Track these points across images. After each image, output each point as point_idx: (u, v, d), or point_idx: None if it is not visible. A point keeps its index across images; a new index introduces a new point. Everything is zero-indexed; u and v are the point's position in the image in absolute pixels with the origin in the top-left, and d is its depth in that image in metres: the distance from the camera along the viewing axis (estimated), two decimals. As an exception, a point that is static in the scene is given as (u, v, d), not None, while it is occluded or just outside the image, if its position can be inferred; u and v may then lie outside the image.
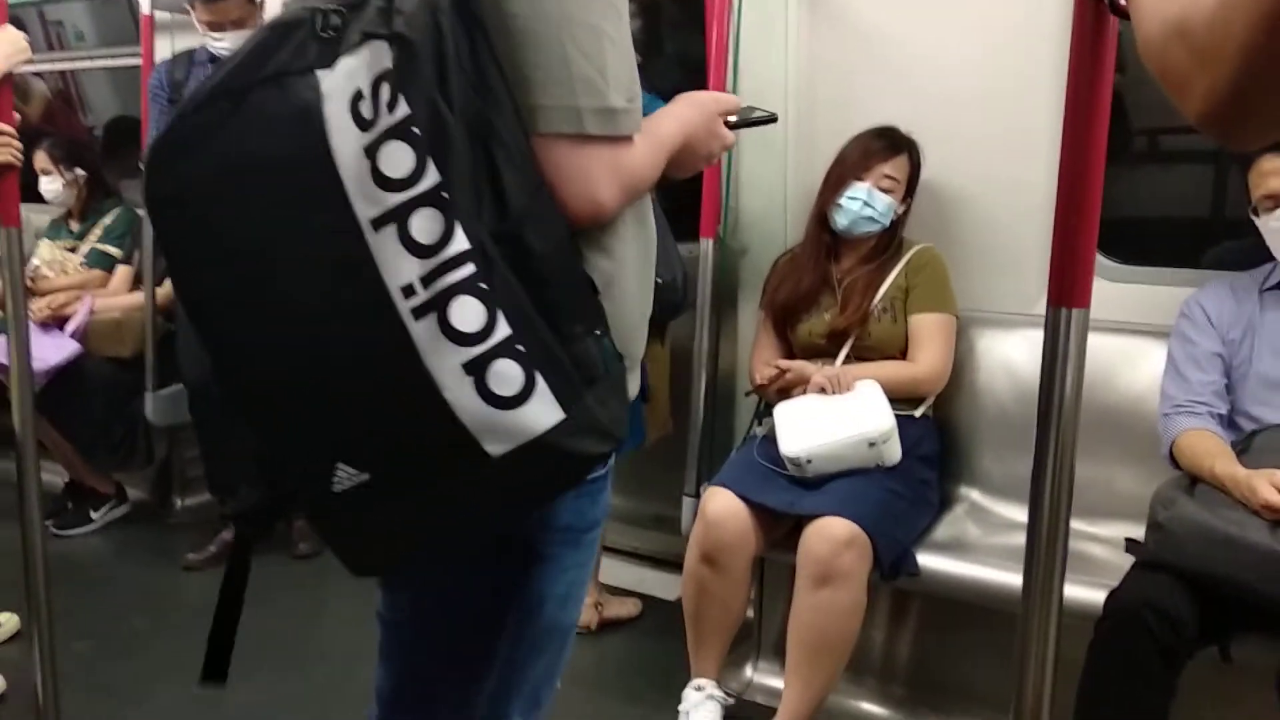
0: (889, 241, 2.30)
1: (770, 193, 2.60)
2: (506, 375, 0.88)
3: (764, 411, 2.32)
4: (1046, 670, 1.11)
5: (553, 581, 1.10)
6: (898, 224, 2.30)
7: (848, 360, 2.26)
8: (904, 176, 2.27)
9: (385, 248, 0.87)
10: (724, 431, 2.64)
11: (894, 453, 2.08)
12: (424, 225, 0.87)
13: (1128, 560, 1.80)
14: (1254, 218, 1.93)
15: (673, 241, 2.46)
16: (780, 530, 2.12)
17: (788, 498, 2.07)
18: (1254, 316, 1.97)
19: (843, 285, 2.30)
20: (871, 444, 2.05)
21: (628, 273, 1.05)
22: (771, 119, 1.19)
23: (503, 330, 0.88)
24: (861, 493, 2.02)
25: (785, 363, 2.27)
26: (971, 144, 2.33)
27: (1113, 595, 1.71)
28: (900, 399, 2.17)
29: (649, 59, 2.55)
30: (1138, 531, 1.84)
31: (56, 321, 3.27)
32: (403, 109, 0.86)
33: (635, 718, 2.25)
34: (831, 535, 1.93)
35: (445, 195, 0.87)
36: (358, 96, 0.87)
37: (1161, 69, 0.61)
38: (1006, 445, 2.26)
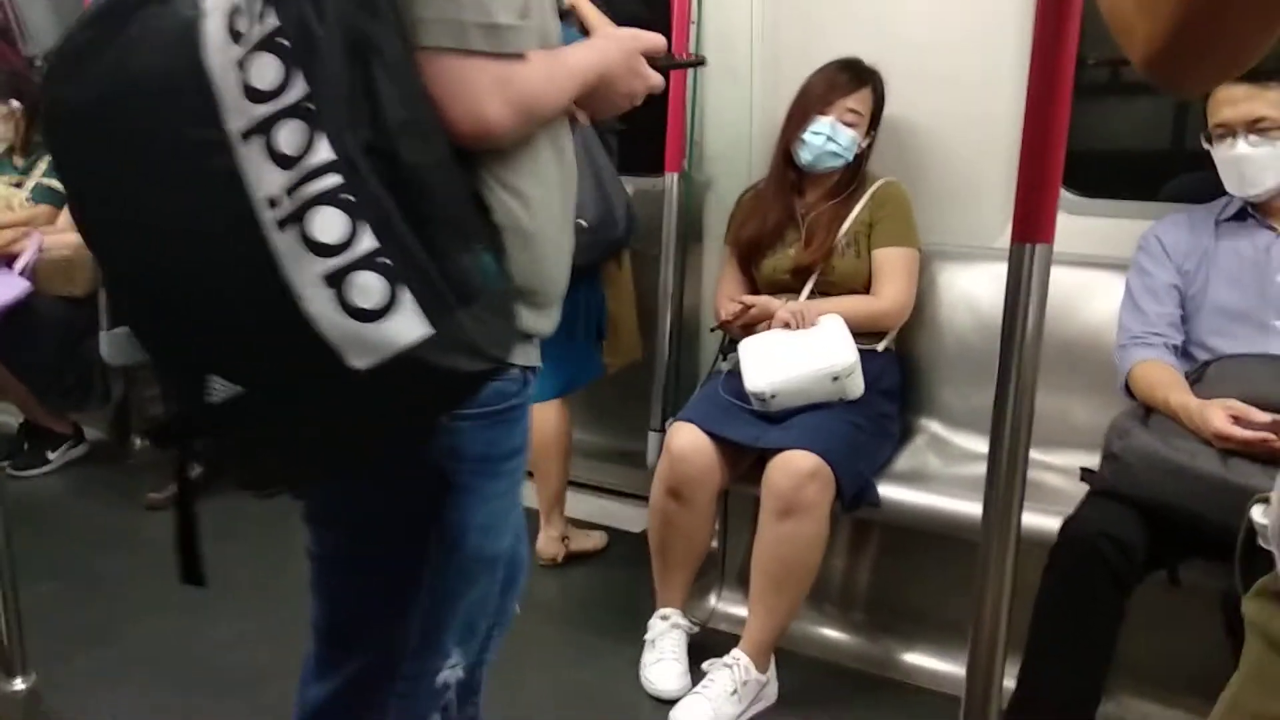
0: (853, 176, 2.30)
1: (735, 127, 2.57)
2: (368, 287, 0.87)
3: (729, 347, 2.33)
4: (1004, 595, 1.14)
5: (473, 511, 1.11)
6: (861, 158, 2.29)
7: (812, 295, 2.27)
8: (867, 110, 2.25)
9: (252, 160, 0.88)
10: (689, 366, 2.65)
11: (857, 387, 2.11)
12: (289, 137, 0.87)
13: (1082, 489, 1.84)
14: (1206, 146, 1.94)
15: (607, 171, 2.38)
16: (744, 464, 2.14)
17: (753, 432, 2.09)
18: (1209, 247, 1.99)
19: (807, 220, 2.30)
20: (835, 378, 2.07)
21: (541, 207, 1.05)
22: (700, 62, 1.17)
23: (366, 243, 0.87)
24: (824, 426, 2.04)
25: (750, 298, 2.27)
26: (936, 80, 2.31)
27: (1068, 523, 1.75)
28: (863, 333, 2.18)
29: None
30: (1093, 461, 1.88)
31: (4, 259, 3.18)
32: (271, 20, 0.87)
33: (602, 648, 2.29)
34: (795, 468, 1.96)
35: (310, 106, 0.86)
36: (234, 10, 0.88)
37: (1109, 15, 0.63)
38: (967, 378, 2.29)
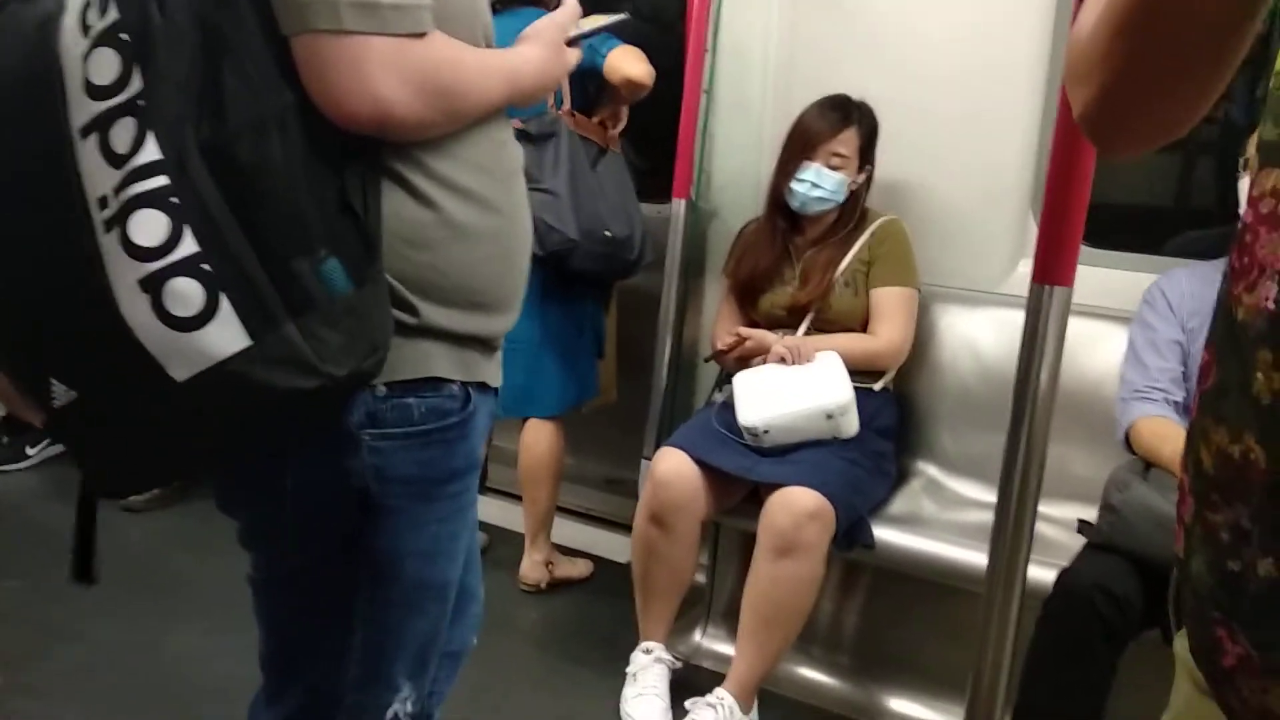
0: (850, 214, 2.28)
1: (745, 157, 2.57)
2: (184, 294, 0.84)
3: (725, 379, 2.31)
4: (1005, 649, 1.11)
5: (407, 537, 1.05)
6: (857, 195, 2.27)
7: (809, 332, 2.25)
8: (854, 149, 2.23)
9: (88, 158, 0.85)
10: (685, 396, 2.63)
11: (851, 425, 2.08)
12: (121, 135, 0.84)
13: (1079, 540, 1.82)
14: (1241, 173, 1.90)
15: (633, 197, 2.43)
16: (734, 495, 2.12)
17: (744, 463, 2.06)
18: (1213, 305, 1.98)
19: (803, 260, 2.29)
20: (829, 416, 2.05)
21: (482, 202, 1.01)
22: (622, 22, 1.13)
23: (188, 247, 0.84)
24: (823, 462, 2.02)
25: (746, 330, 2.26)
26: (949, 120, 2.31)
27: (1063, 575, 1.73)
28: (859, 371, 2.16)
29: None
30: (1091, 513, 1.86)
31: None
32: (113, 14, 0.85)
33: (582, 678, 2.24)
34: (797, 506, 1.93)
35: (141, 103, 0.84)
36: (87, 4, 0.86)
37: (1065, 73, 0.69)
38: (967, 423, 2.27)
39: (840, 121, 2.22)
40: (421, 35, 0.90)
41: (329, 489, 1.00)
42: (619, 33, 1.13)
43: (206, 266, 0.84)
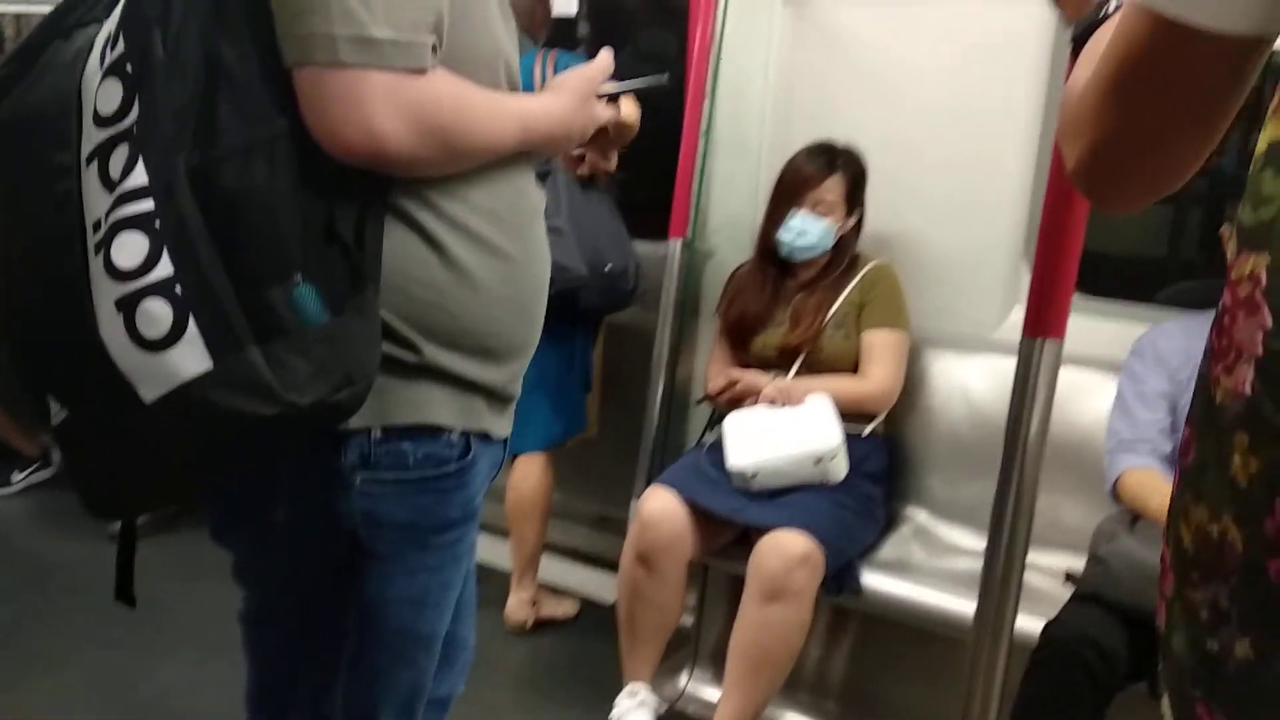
0: (840, 258, 2.30)
1: (741, 197, 2.59)
2: (155, 315, 0.85)
3: (716, 419, 2.31)
4: (992, 699, 1.11)
5: (397, 584, 1.04)
6: (846, 240, 2.29)
7: (799, 374, 2.25)
8: (840, 195, 2.25)
9: (90, 183, 0.89)
10: (677, 435, 2.62)
11: (840, 470, 2.08)
12: (117, 160, 0.87)
13: (1066, 591, 1.81)
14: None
15: (625, 230, 2.45)
16: (723, 537, 2.11)
17: (733, 504, 2.05)
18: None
19: (793, 303, 2.30)
20: (818, 460, 2.05)
21: (495, 249, 1.01)
22: (659, 82, 1.13)
23: (164, 269, 0.85)
24: (813, 505, 2.01)
25: (737, 372, 2.26)
26: (943, 165, 2.33)
27: (1050, 626, 1.72)
28: (849, 415, 2.16)
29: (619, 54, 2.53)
30: (1078, 562, 1.86)
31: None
32: (120, 46, 0.89)
33: None
34: (786, 550, 1.92)
35: (135, 130, 0.87)
36: (108, 39, 0.90)
37: (1059, 129, 0.71)
38: (957, 469, 2.27)
39: (825, 168, 2.24)
40: (421, 71, 0.91)
41: (320, 529, 1.00)
42: (651, 92, 1.12)
43: (178, 288, 0.85)
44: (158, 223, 0.85)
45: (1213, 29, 0.56)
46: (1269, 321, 0.52)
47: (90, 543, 2.89)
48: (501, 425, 1.09)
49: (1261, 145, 0.54)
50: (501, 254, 1.02)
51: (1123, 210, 0.70)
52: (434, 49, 0.92)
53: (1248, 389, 0.53)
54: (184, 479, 0.98)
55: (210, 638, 2.29)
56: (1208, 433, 0.58)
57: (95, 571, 2.74)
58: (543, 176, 2.30)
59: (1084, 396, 2.18)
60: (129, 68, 0.88)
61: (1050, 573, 2.01)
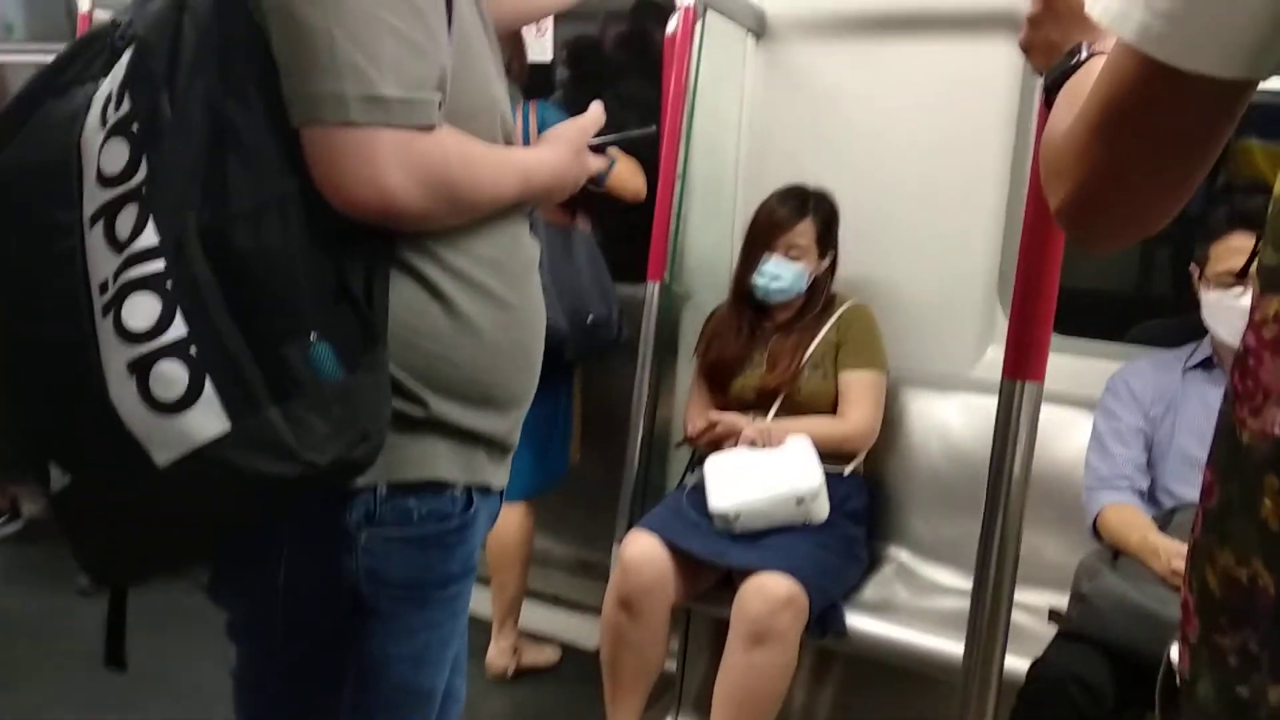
0: (816, 300, 2.32)
1: (717, 239, 2.61)
2: (170, 378, 0.84)
3: (697, 461, 2.31)
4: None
5: (397, 642, 1.02)
6: (820, 281, 2.31)
7: (778, 415, 2.26)
8: (811, 239, 2.27)
9: (95, 244, 0.88)
10: (658, 479, 2.61)
11: (821, 511, 2.08)
12: (125, 220, 0.87)
13: (1051, 628, 1.82)
14: (1201, 289, 1.95)
15: (608, 276, 2.46)
16: (706, 581, 2.10)
17: (716, 547, 2.05)
18: (1176, 394, 2.02)
19: (770, 345, 2.31)
20: (799, 501, 2.05)
21: (497, 301, 1.01)
22: (648, 133, 1.15)
23: (177, 330, 0.85)
24: (796, 547, 2.01)
25: (716, 415, 2.27)
26: (916, 207, 2.36)
27: (1037, 664, 1.72)
28: (829, 455, 2.17)
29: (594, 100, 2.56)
30: (1060, 599, 1.86)
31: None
32: (126, 106, 0.88)
33: (549, 770, 2.18)
34: (770, 593, 1.91)
35: (144, 190, 0.87)
36: (108, 98, 0.90)
37: (1041, 170, 0.72)
38: (938, 508, 2.27)
39: (796, 212, 2.26)
40: (429, 128, 0.92)
41: (322, 587, 0.98)
42: (640, 143, 1.15)
43: (193, 350, 0.84)
44: (169, 283, 0.85)
45: (1203, 73, 0.57)
46: None
47: (60, 597, 2.84)
48: (501, 476, 1.09)
49: (1279, 188, 0.55)
50: (503, 303, 1.02)
51: (1107, 249, 0.71)
52: (439, 105, 0.93)
53: (1277, 430, 0.53)
54: (193, 543, 0.96)
55: (184, 691, 2.25)
56: (1233, 475, 0.57)
57: (65, 627, 2.69)
58: (531, 227, 2.31)
59: (1063, 434, 2.20)
60: (135, 128, 0.88)
61: (1034, 610, 2.00)
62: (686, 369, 2.59)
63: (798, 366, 2.25)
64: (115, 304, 0.86)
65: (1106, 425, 2.04)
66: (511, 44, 2.51)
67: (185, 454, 0.85)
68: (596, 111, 1.15)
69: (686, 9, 2.31)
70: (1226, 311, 1.92)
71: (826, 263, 2.31)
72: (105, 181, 0.88)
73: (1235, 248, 1.89)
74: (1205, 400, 1.98)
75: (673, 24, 2.34)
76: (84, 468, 0.91)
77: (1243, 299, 1.89)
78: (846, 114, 2.42)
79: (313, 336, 0.87)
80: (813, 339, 2.28)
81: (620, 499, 2.42)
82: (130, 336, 0.85)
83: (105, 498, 0.91)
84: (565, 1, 1.50)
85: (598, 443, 2.72)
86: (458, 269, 0.98)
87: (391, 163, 0.89)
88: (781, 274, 2.25)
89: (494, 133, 1.03)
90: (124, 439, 0.85)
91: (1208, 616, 0.59)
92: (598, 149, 1.13)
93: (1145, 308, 2.60)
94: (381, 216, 0.91)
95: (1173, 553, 1.73)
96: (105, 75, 0.92)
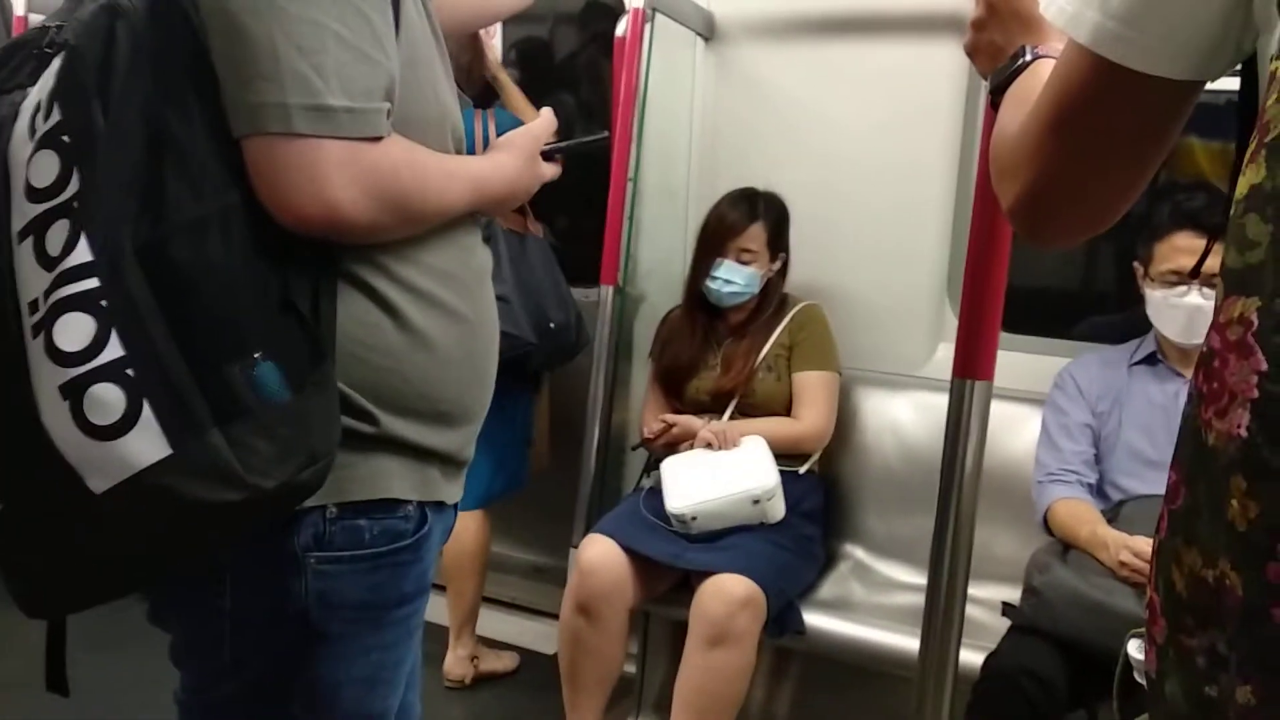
0: (768, 302, 2.33)
1: (670, 242, 2.62)
2: (105, 401, 0.81)
3: (653, 465, 2.31)
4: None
5: (348, 664, 0.99)
6: (772, 283, 2.32)
7: (733, 417, 2.27)
8: (762, 242, 2.28)
9: (24, 261, 0.84)
10: (614, 483, 2.61)
11: (778, 510, 2.10)
12: (55, 237, 0.83)
13: (1004, 622, 1.84)
14: (1145, 287, 1.98)
15: (564, 281, 2.45)
16: (664, 584, 2.10)
17: (672, 550, 2.05)
18: (1122, 390, 2.05)
19: (723, 347, 2.32)
20: (755, 501, 2.06)
21: (449, 313, 0.99)
22: (598, 140, 1.15)
23: (113, 351, 0.81)
24: (753, 548, 2.02)
25: (672, 417, 2.27)
26: (865, 208, 2.39)
27: (990, 658, 1.74)
28: (784, 455, 2.18)
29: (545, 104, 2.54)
30: (1013, 593, 1.88)
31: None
32: (55, 116, 0.84)
33: (509, 777, 2.17)
34: (728, 595, 1.92)
35: (75, 205, 0.83)
36: (37, 108, 0.86)
37: (991, 169, 0.73)
38: (892, 505, 2.30)
39: (747, 216, 2.27)
40: (377, 139, 0.89)
41: (269, 612, 0.95)
42: (593, 150, 1.14)
43: (130, 371, 0.81)
44: (104, 302, 0.81)
45: (1155, 74, 0.58)
46: (1264, 364, 0.52)
47: (11, 619, 2.76)
48: (455, 492, 1.06)
49: (1242, 189, 0.55)
50: (455, 315, 1.00)
51: (1059, 247, 0.73)
52: (387, 114, 0.90)
53: (1243, 431, 0.53)
54: (131, 573, 0.92)
55: (133, 708, 2.19)
56: (1199, 476, 0.57)
57: (14, 647, 2.61)
58: (487, 240, 2.29)
59: (1011, 429, 2.23)
60: (66, 138, 0.84)
61: (986, 604, 2.03)
62: (641, 372, 2.59)
63: (752, 368, 2.26)
64: (46, 324, 0.82)
65: (1055, 420, 2.07)
66: (471, 47, 2.49)
67: (123, 481, 0.81)
68: (548, 118, 1.14)
69: (635, 10, 2.31)
70: (1171, 309, 1.95)
71: (778, 265, 2.32)
72: (34, 195, 0.84)
73: (1179, 247, 1.92)
74: (1149, 396, 2.02)
75: (622, 26, 2.34)
76: (15, 496, 0.87)
77: (1187, 297, 1.93)
78: (795, 116, 2.44)
79: (257, 355, 0.84)
80: (766, 341, 2.29)
81: (577, 503, 2.41)
82: (62, 358, 0.81)
83: (39, 526, 0.87)
84: (517, 6, 1.48)
85: (554, 447, 2.71)
86: (408, 281, 0.96)
87: (338, 175, 0.86)
88: (734, 278, 2.26)
89: (444, 142, 1.01)
90: (57, 465, 0.82)
91: (1174, 617, 0.59)
92: (549, 155, 1.12)
93: (1090, 304, 2.65)
94: (328, 230, 0.88)
95: (1121, 545, 1.76)
96: (33, 84, 0.87)
